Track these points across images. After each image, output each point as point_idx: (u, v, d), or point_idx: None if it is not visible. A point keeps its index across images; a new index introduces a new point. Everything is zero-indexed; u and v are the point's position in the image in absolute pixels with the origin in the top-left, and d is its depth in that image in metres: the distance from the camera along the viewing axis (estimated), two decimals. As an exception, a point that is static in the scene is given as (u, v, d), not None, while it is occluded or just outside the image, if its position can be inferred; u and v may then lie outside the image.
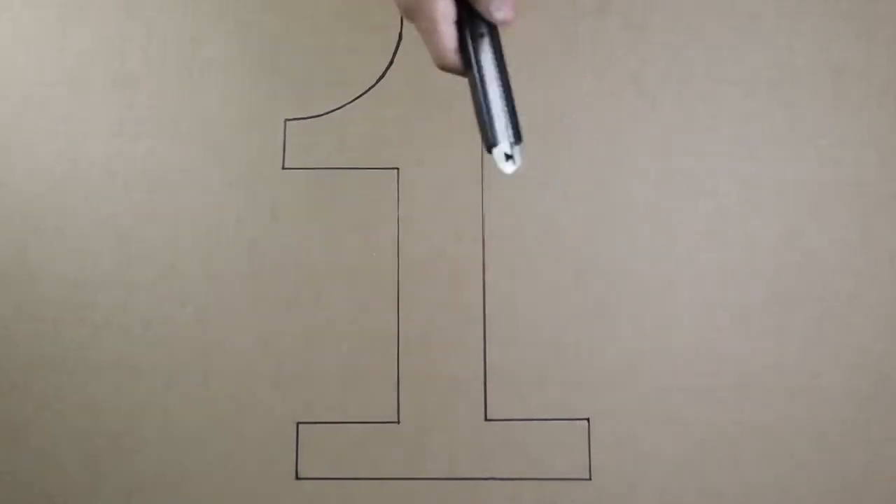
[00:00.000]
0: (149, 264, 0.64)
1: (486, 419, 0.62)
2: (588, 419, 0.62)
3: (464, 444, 0.62)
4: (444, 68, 0.46)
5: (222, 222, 0.65)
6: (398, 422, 0.62)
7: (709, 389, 0.62)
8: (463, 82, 0.47)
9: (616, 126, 0.65)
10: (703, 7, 0.65)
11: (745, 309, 0.63)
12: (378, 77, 0.65)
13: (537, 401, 0.62)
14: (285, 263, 0.64)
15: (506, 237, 0.64)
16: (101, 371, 0.63)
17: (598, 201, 0.64)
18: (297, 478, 0.62)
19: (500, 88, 0.46)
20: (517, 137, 0.46)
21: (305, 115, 0.65)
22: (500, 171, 0.46)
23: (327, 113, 0.65)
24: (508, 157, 0.46)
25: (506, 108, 0.46)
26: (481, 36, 0.46)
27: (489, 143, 0.45)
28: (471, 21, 0.46)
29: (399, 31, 0.65)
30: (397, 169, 0.65)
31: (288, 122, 0.65)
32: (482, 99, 0.45)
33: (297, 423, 0.62)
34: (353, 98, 0.65)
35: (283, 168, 0.65)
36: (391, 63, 0.65)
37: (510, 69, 0.46)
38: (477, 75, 0.46)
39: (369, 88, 0.65)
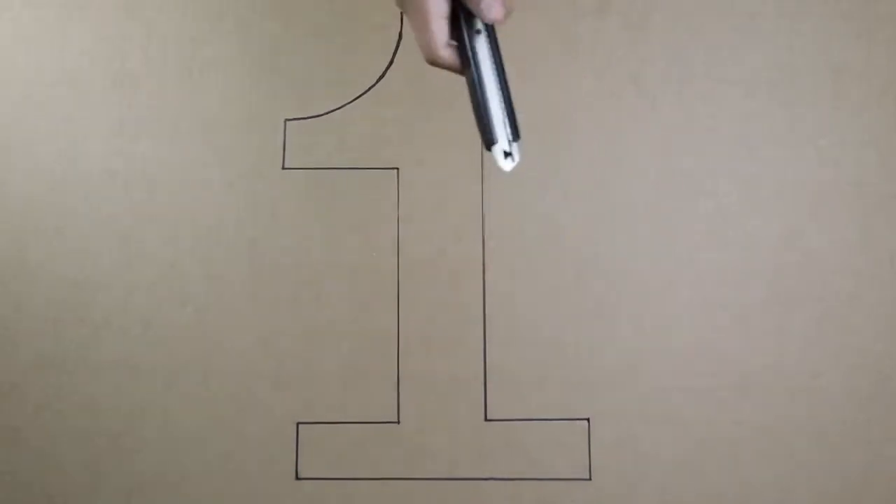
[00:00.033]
0: (149, 264, 0.64)
1: (486, 419, 0.62)
2: (588, 419, 0.62)
3: (464, 444, 0.62)
4: (434, 63, 0.47)
5: (222, 222, 0.65)
6: (398, 422, 0.62)
7: (709, 389, 0.62)
8: (462, 82, 0.47)
9: (616, 126, 0.65)
10: (703, 7, 0.65)
11: (745, 309, 0.63)
12: (378, 77, 0.65)
13: (537, 401, 0.62)
14: (285, 263, 0.64)
15: (506, 237, 0.64)
16: (101, 371, 0.63)
17: (598, 201, 0.64)
18: (297, 478, 0.62)
19: (498, 86, 0.46)
20: (515, 134, 0.46)
21: (305, 115, 0.65)
22: (499, 169, 0.46)
23: (327, 113, 0.65)
24: (507, 154, 0.46)
25: (503, 106, 0.46)
26: (478, 34, 0.46)
27: (488, 140, 0.46)
28: (467, 19, 0.46)
29: (399, 31, 0.65)
30: (397, 169, 0.65)
31: (288, 122, 0.65)
32: (480, 97, 0.46)
33: (297, 423, 0.62)
34: (353, 98, 0.65)
35: (283, 168, 0.65)
36: (391, 63, 0.65)
37: (508, 68, 0.46)
38: (474, 73, 0.46)
39: (369, 88, 0.65)
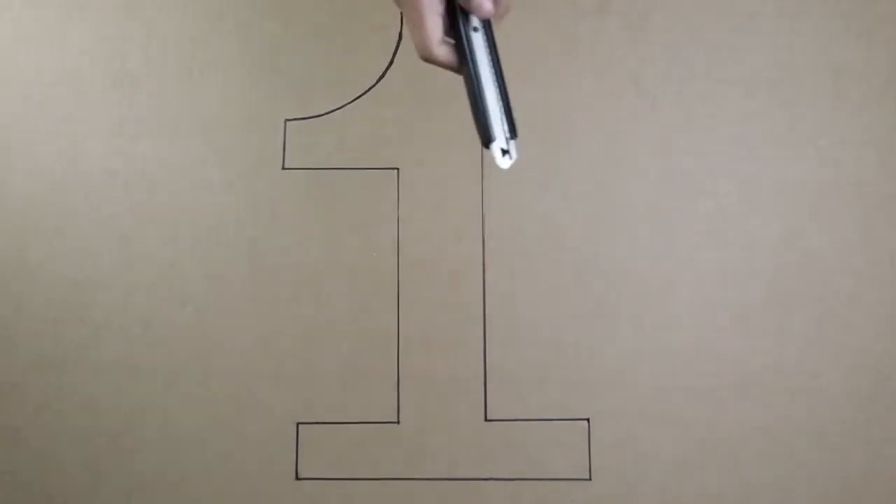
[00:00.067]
0: (149, 264, 0.64)
1: (486, 419, 0.62)
2: (588, 419, 0.62)
3: (464, 444, 0.62)
4: (429, 60, 0.47)
5: (222, 222, 0.65)
6: (398, 422, 0.62)
7: (709, 389, 0.62)
8: (462, 83, 0.47)
9: (616, 126, 0.65)
10: (703, 7, 0.65)
11: (745, 309, 0.63)
12: (378, 77, 0.65)
13: (537, 401, 0.62)
14: (285, 263, 0.64)
15: (506, 237, 0.64)
16: (101, 371, 0.63)
17: (598, 201, 0.64)
18: (297, 478, 0.62)
19: (495, 84, 0.46)
20: (513, 132, 0.46)
21: (305, 115, 0.65)
22: (497, 167, 0.46)
23: (327, 113, 0.65)
24: (504, 151, 0.46)
25: (501, 104, 0.46)
26: (475, 31, 0.46)
27: (485, 138, 0.46)
28: (464, 17, 0.46)
29: (399, 31, 0.65)
30: (397, 169, 0.65)
31: (288, 122, 0.65)
32: (477, 95, 0.46)
33: (297, 423, 0.62)
34: (353, 98, 0.65)
35: (283, 168, 0.65)
36: (391, 63, 0.65)
37: (508, 68, 0.47)
38: (471, 71, 0.46)
39: (369, 88, 0.65)
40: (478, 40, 0.46)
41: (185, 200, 0.65)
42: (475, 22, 0.46)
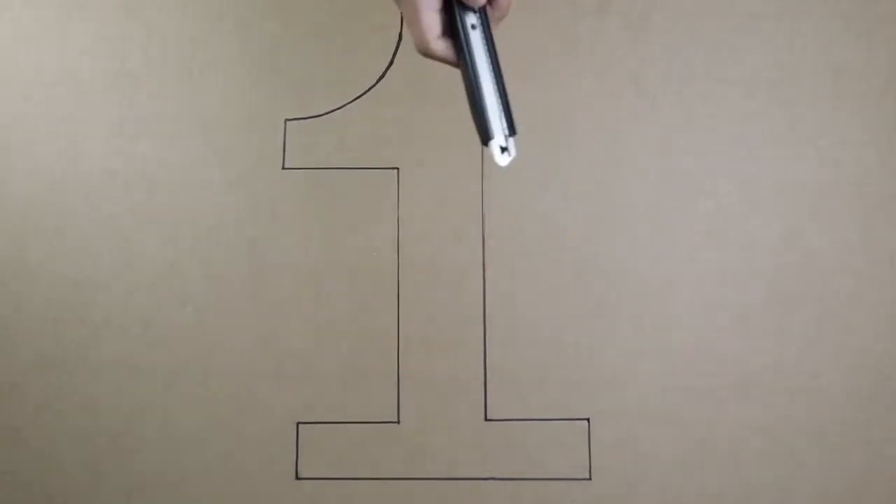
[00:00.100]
0: (149, 264, 0.64)
1: (486, 419, 0.62)
2: (588, 419, 0.62)
3: (464, 444, 0.62)
4: (426, 54, 0.47)
5: (222, 222, 0.65)
6: (398, 422, 0.62)
7: (709, 389, 0.62)
8: (461, 82, 0.47)
9: (616, 126, 0.65)
10: (703, 7, 0.65)
11: (745, 309, 0.63)
12: (378, 77, 0.65)
13: (537, 401, 0.62)
14: (285, 263, 0.64)
15: (506, 237, 0.64)
16: (101, 371, 0.63)
17: (598, 201, 0.64)
18: (297, 478, 0.62)
19: (493, 82, 0.46)
20: (511, 130, 0.46)
21: (305, 115, 0.65)
22: (496, 164, 0.46)
23: (327, 113, 0.65)
24: (503, 149, 0.46)
25: (499, 101, 0.46)
26: (473, 28, 0.46)
27: (484, 136, 0.46)
28: (462, 14, 0.46)
29: (399, 31, 0.65)
30: (397, 169, 0.65)
31: (288, 122, 0.65)
32: (475, 92, 0.46)
33: (297, 423, 0.62)
34: (353, 98, 0.65)
35: (283, 168, 0.65)
36: (391, 63, 0.65)
37: (508, 68, 0.46)
38: (469, 68, 0.46)
39: (369, 88, 0.65)
40: (476, 38, 0.46)
41: (185, 200, 0.65)
42: (473, 19, 0.46)
